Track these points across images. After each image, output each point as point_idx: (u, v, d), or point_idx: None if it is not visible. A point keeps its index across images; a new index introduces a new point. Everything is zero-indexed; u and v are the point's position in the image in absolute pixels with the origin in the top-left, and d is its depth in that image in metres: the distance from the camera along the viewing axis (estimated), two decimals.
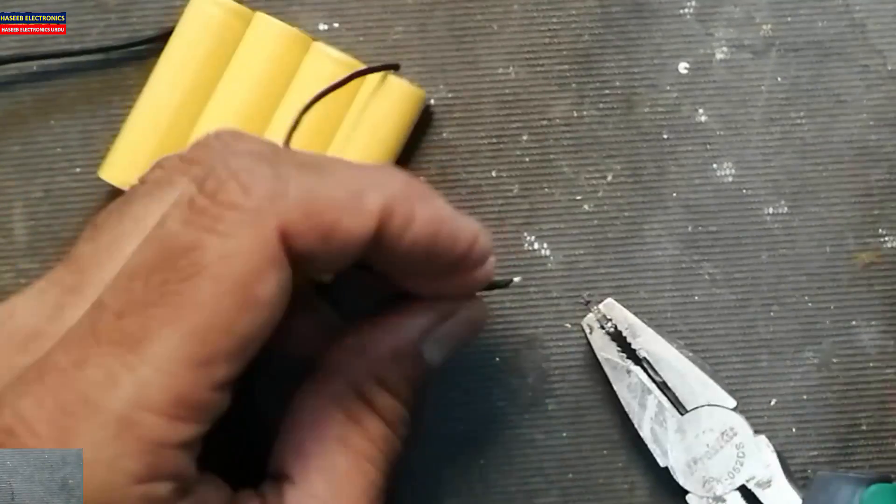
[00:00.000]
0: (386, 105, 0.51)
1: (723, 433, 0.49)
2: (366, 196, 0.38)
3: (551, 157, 0.53)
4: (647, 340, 0.49)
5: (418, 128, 0.53)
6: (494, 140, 0.53)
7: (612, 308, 0.50)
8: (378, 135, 0.51)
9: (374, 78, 0.51)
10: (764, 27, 0.53)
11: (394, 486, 0.43)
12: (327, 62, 0.51)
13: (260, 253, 0.36)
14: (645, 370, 0.49)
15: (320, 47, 0.51)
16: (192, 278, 0.36)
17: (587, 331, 0.50)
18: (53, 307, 0.40)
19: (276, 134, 0.50)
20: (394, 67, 0.51)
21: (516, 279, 0.50)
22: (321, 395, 0.42)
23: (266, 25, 0.51)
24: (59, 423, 0.35)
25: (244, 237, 0.36)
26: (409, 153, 0.53)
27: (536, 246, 0.53)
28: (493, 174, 0.53)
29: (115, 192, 0.53)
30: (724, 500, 0.48)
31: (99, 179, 0.52)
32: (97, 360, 0.36)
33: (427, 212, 0.39)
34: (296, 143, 0.49)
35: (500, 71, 0.53)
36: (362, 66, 0.50)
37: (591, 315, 0.50)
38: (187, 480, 0.37)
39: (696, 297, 0.52)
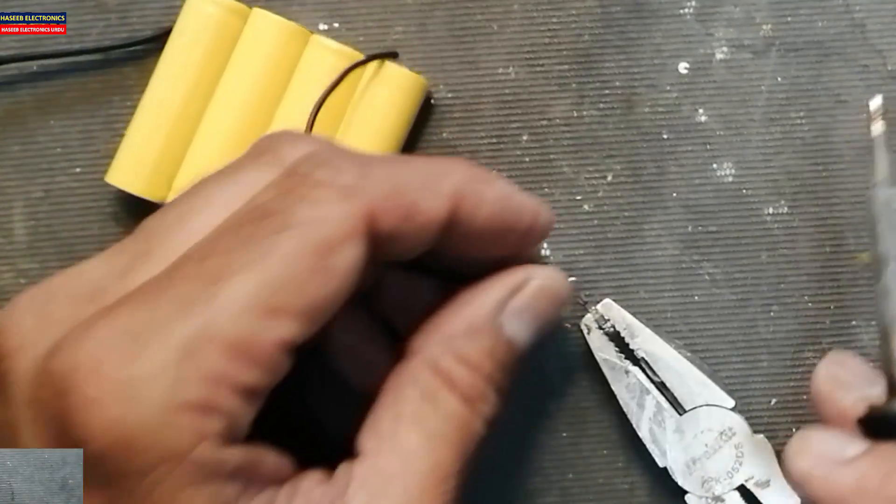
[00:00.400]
0: (387, 94, 0.51)
1: (721, 433, 0.49)
2: (439, 180, 0.41)
3: (551, 157, 0.53)
4: (646, 340, 0.49)
5: (418, 127, 0.53)
6: (494, 140, 0.53)
7: (609, 308, 0.50)
8: (381, 124, 0.51)
9: (374, 68, 0.51)
10: (764, 27, 0.53)
11: (475, 471, 0.42)
12: (327, 54, 0.51)
13: (345, 224, 0.38)
14: (643, 370, 0.49)
15: (319, 40, 0.51)
16: (278, 234, 0.37)
17: (585, 331, 0.50)
18: (122, 270, 0.40)
19: (279, 127, 0.50)
20: (392, 55, 0.51)
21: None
22: (399, 376, 0.42)
23: (264, 21, 0.51)
24: (125, 346, 0.36)
25: (332, 208, 0.38)
26: (410, 153, 0.53)
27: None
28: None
29: (120, 196, 0.53)
30: (723, 500, 0.48)
31: (99, 180, 0.52)
32: (171, 292, 0.37)
33: (494, 191, 0.42)
34: None
35: (500, 71, 0.53)
36: (363, 57, 0.51)
37: (588, 315, 0.50)
38: (239, 428, 0.37)
39: (696, 297, 0.52)
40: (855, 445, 0.42)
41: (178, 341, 0.36)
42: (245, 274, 0.37)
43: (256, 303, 0.36)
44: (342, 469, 0.40)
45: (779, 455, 0.48)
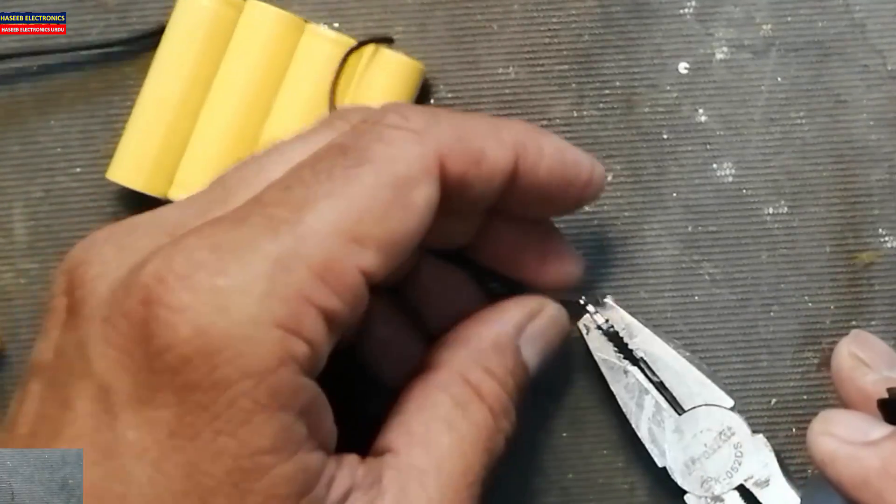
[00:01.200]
0: (384, 79, 0.51)
1: (720, 433, 0.49)
2: (502, 131, 0.43)
3: None
4: (644, 340, 0.49)
5: None
6: None
7: (608, 308, 0.50)
8: None
9: (370, 55, 0.51)
10: (764, 27, 0.53)
11: (493, 486, 0.43)
12: (324, 42, 0.51)
13: (420, 163, 0.39)
14: (642, 370, 0.49)
15: (315, 28, 0.51)
16: (358, 167, 0.38)
17: (584, 331, 0.50)
18: (200, 209, 0.40)
19: (279, 117, 0.51)
20: (388, 41, 0.52)
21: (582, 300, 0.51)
22: (428, 384, 0.43)
23: (259, 12, 0.51)
24: (217, 258, 0.36)
25: (407, 148, 0.40)
26: None
27: None
28: None
29: (120, 196, 0.53)
30: (722, 500, 0.48)
31: (100, 179, 0.52)
32: (260, 213, 0.37)
33: (552, 144, 0.44)
34: (298, 122, 0.49)
35: (500, 71, 0.53)
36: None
37: (587, 315, 0.50)
38: (318, 359, 0.38)
39: (696, 297, 0.52)
40: (880, 427, 0.42)
41: (270, 257, 0.36)
42: (329, 201, 0.37)
43: (342, 228, 0.37)
44: (372, 462, 0.40)
45: (778, 455, 0.48)
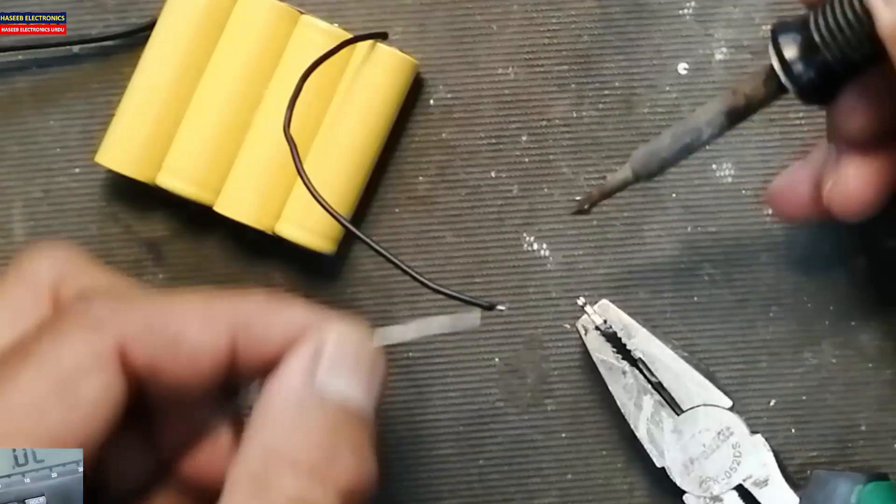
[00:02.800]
0: (376, 73, 0.51)
1: (719, 433, 0.49)
2: (213, 311, 0.40)
3: (551, 157, 0.53)
4: (642, 341, 0.49)
5: (419, 127, 0.53)
6: (494, 140, 0.53)
7: (606, 309, 0.50)
8: (371, 103, 0.51)
9: (364, 50, 0.51)
10: (763, 28, 0.53)
11: None
12: (316, 34, 0.51)
13: (91, 354, 0.38)
14: (640, 371, 0.49)
15: (309, 20, 0.51)
16: (19, 364, 0.38)
17: (582, 332, 0.50)
18: None
19: (270, 107, 0.51)
20: (382, 36, 0.52)
21: (500, 307, 0.47)
22: (232, 470, 0.39)
23: (254, 1, 0.51)
24: None
25: (77, 339, 0.38)
26: (409, 153, 0.53)
27: (535, 246, 0.53)
28: (493, 175, 0.53)
29: (120, 196, 0.53)
30: (721, 500, 0.48)
31: (98, 180, 0.53)
32: None
33: (284, 318, 0.41)
34: (293, 118, 0.49)
35: (500, 71, 0.53)
36: (351, 36, 0.51)
37: (585, 316, 0.50)
38: None
39: (696, 298, 0.52)
40: None
41: None
42: None
43: None
44: None
45: (777, 455, 0.48)
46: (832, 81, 0.42)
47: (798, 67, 0.42)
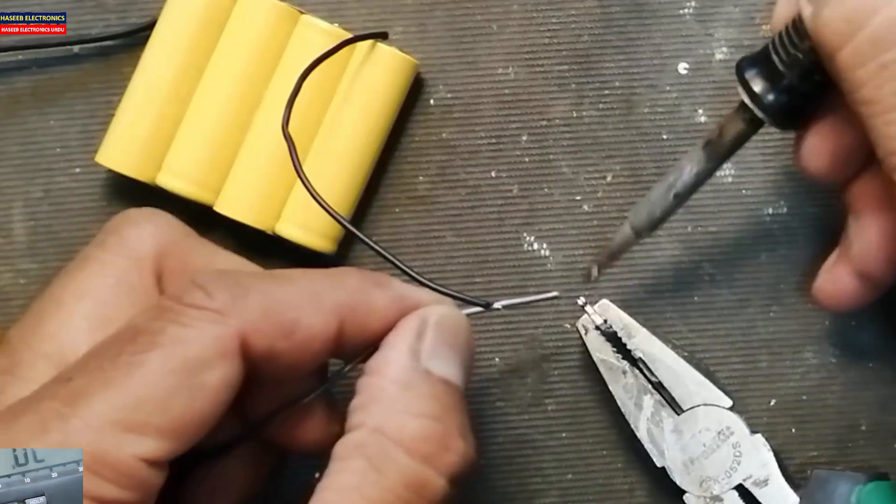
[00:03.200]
0: (376, 73, 0.51)
1: (719, 432, 0.49)
2: (322, 296, 0.41)
3: (551, 157, 0.53)
4: (643, 341, 0.49)
5: (419, 127, 0.53)
6: (494, 140, 0.53)
7: (607, 309, 0.50)
8: (371, 103, 0.51)
9: (365, 49, 0.51)
10: (764, 27, 0.53)
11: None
12: (316, 34, 0.51)
13: (215, 345, 0.39)
14: (640, 370, 0.49)
15: (309, 19, 0.51)
16: (145, 353, 0.38)
17: (582, 332, 0.50)
18: None
19: (270, 107, 0.51)
20: (382, 36, 0.52)
21: (497, 305, 0.47)
22: (347, 446, 0.40)
23: (254, 1, 0.51)
24: None
25: (203, 329, 0.39)
26: (410, 153, 0.53)
27: (536, 246, 0.53)
28: (493, 174, 0.53)
29: (120, 196, 0.53)
30: (721, 500, 0.48)
31: (99, 180, 0.53)
32: (34, 410, 0.37)
33: (385, 297, 0.42)
34: (292, 117, 0.49)
35: (500, 71, 0.53)
36: (351, 36, 0.51)
37: (585, 316, 0.50)
38: None
39: (696, 298, 0.52)
40: None
41: None
42: (105, 391, 0.37)
43: (115, 419, 0.37)
44: None
45: (777, 455, 0.48)
46: (801, 104, 0.43)
47: (766, 96, 0.43)
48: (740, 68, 0.44)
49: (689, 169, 0.46)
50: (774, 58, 0.43)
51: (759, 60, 0.43)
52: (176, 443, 0.38)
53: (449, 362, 0.42)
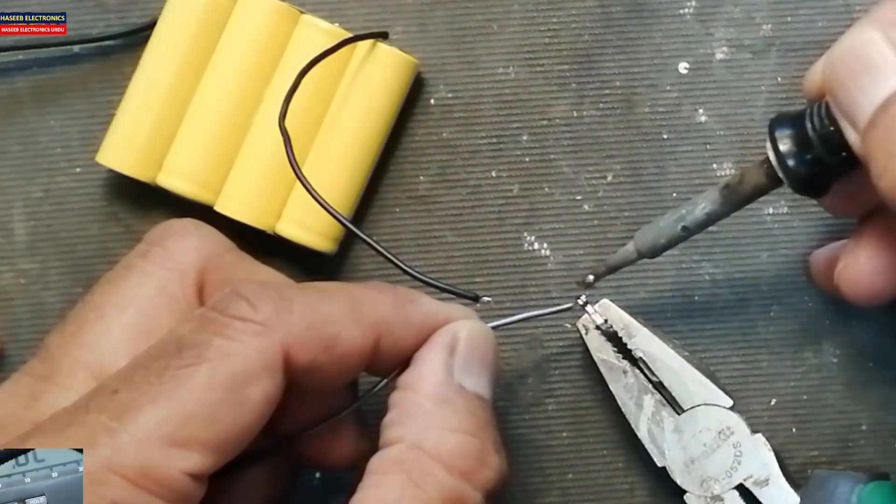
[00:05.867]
0: (377, 73, 0.51)
1: (720, 432, 0.49)
2: (362, 310, 0.41)
3: (551, 157, 0.53)
4: (643, 340, 0.49)
5: (419, 127, 0.53)
6: (494, 140, 0.53)
7: (607, 309, 0.50)
8: (371, 103, 0.51)
9: (364, 48, 0.51)
10: (764, 27, 0.53)
11: None
12: (317, 33, 0.51)
13: (260, 358, 0.39)
14: (641, 370, 0.49)
15: (309, 19, 0.51)
16: (192, 367, 0.38)
17: (583, 332, 0.50)
18: (28, 396, 0.41)
19: (270, 106, 0.50)
20: (382, 35, 0.51)
21: (485, 299, 0.48)
22: (385, 461, 0.41)
23: (254, 0, 0.51)
24: None
25: (249, 342, 0.39)
26: (410, 153, 0.53)
27: (536, 246, 0.53)
28: (493, 174, 0.53)
29: (120, 195, 0.53)
30: (721, 500, 0.48)
31: (99, 180, 0.53)
32: (81, 423, 0.37)
33: (420, 311, 0.43)
34: (292, 116, 0.49)
35: (500, 71, 0.53)
36: (351, 35, 0.51)
37: (586, 316, 0.50)
38: None
39: (696, 297, 0.52)
40: None
41: (83, 472, 0.37)
42: (153, 406, 0.37)
43: (163, 434, 0.37)
44: None
45: (777, 454, 0.48)
46: (825, 176, 0.43)
47: (792, 162, 0.43)
48: (773, 124, 0.44)
49: (702, 206, 0.46)
50: (808, 124, 0.43)
51: (793, 122, 0.43)
52: (219, 457, 0.38)
53: (480, 377, 0.43)
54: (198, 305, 0.44)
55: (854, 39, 0.41)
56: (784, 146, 0.43)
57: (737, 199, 0.46)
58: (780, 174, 0.44)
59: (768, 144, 0.43)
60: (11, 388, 0.42)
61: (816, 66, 0.45)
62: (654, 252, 0.47)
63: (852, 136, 0.41)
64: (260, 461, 0.44)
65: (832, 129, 0.42)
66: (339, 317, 0.41)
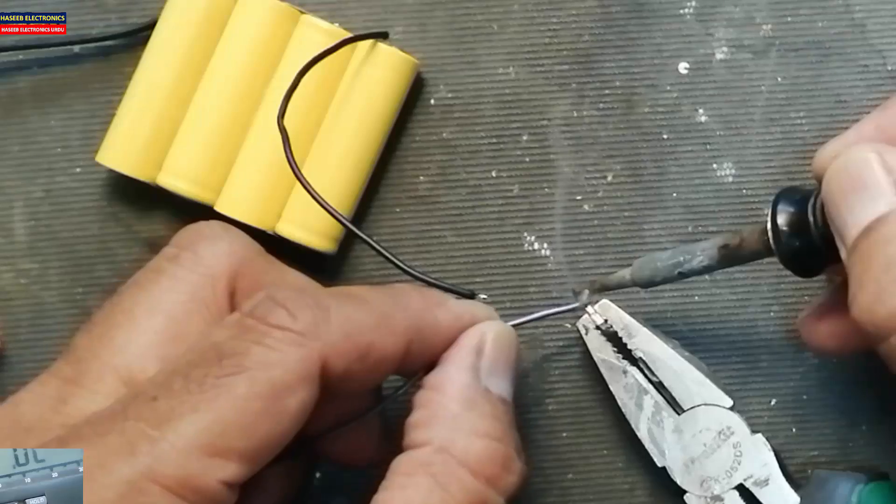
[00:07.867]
0: (377, 73, 0.51)
1: (720, 432, 0.48)
2: (395, 318, 0.42)
3: (552, 156, 0.53)
4: (643, 340, 0.49)
5: (419, 127, 0.53)
6: (494, 140, 0.53)
7: (607, 309, 0.50)
8: (371, 103, 0.51)
9: (364, 48, 0.51)
10: (764, 27, 0.53)
11: None
12: (317, 33, 0.51)
13: (299, 368, 0.39)
14: (641, 370, 0.49)
15: (309, 19, 0.51)
16: (232, 376, 0.38)
17: (583, 332, 0.50)
18: (55, 398, 0.41)
19: (270, 106, 0.50)
20: (382, 35, 0.51)
21: (482, 297, 0.48)
22: (413, 463, 0.41)
23: (254, 0, 0.51)
24: None
25: (289, 352, 0.39)
26: (410, 153, 0.53)
27: (536, 246, 0.53)
28: (493, 174, 0.53)
29: (120, 195, 0.53)
30: (721, 500, 0.48)
31: (99, 180, 0.53)
32: (121, 430, 0.37)
33: (449, 313, 0.44)
34: (292, 116, 0.49)
35: (500, 71, 0.53)
36: (351, 35, 0.51)
37: (586, 316, 0.50)
38: None
39: (696, 298, 0.52)
40: None
41: (123, 479, 0.37)
42: (194, 415, 0.38)
43: (203, 444, 0.37)
44: None
45: (777, 454, 0.48)
46: (817, 261, 0.44)
47: (786, 238, 0.43)
48: (779, 197, 0.44)
49: (699, 259, 0.46)
50: (809, 210, 0.43)
51: (798, 202, 0.43)
52: (254, 465, 0.39)
53: (504, 380, 0.44)
54: (228, 311, 0.44)
55: (850, 157, 0.41)
56: (782, 220, 0.43)
57: (733, 261, 0.46)
58: (773, 247, 0.44)
59: (769, 217, 0.44)
60: (38, 389, 0.42)
61: (826, 149, 0.45)
62: (649, 285, 0.48)
63: (843, 252, 0.41)
64: (282, 462, 0.44)
65: (826, 228, 0.42)
66: (374, 325, 0.41)
